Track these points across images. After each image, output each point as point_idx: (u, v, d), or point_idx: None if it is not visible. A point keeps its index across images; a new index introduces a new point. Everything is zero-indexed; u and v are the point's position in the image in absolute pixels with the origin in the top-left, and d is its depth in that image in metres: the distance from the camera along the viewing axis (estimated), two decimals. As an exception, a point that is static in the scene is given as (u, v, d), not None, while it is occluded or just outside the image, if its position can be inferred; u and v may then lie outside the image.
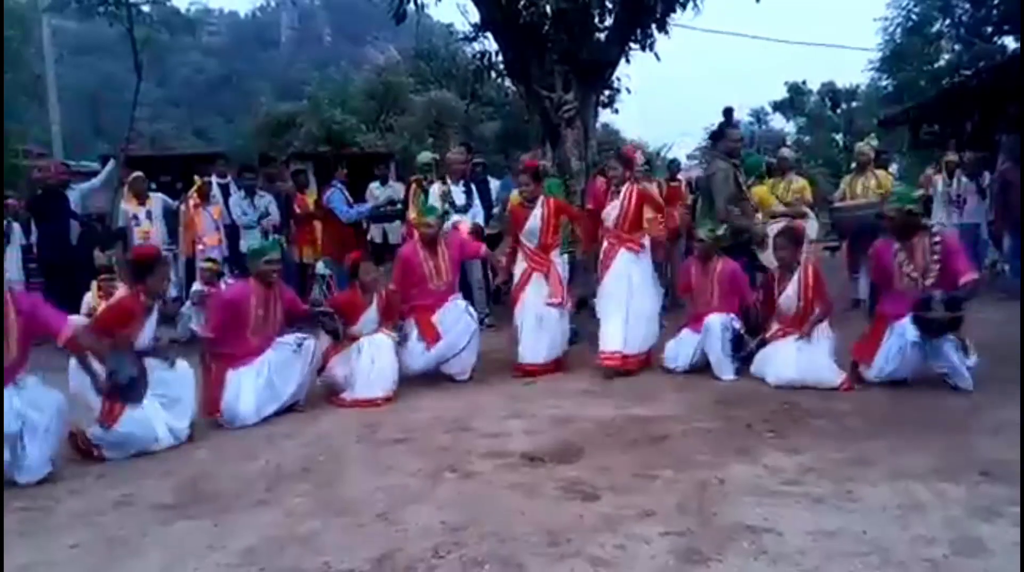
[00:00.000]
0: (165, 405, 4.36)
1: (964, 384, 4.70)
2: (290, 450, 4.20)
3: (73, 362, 4.19)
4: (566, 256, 6.55)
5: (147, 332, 4.44)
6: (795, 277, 5.37)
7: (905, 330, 4.75)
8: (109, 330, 4.30)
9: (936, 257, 4.86)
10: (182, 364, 4.59)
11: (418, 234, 5.99)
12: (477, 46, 10.47)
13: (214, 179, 8.65)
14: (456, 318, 5.68)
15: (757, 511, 3.01)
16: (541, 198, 6.04)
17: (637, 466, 3.62)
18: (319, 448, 4.21)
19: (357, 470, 3.80)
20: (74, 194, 8.39)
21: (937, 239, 4.95)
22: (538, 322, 5.85)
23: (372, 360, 5.24)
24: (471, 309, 5.91)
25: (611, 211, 5.94)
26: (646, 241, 6.01)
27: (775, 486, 3.30)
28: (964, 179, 9.46)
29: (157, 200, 8.57)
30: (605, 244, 5.97)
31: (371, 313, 5.43)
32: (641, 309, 5.78)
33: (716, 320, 5.44)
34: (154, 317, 4.50)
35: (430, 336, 5.60)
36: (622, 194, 5.90)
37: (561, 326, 5.97)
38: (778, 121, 36.39)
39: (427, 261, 5.76)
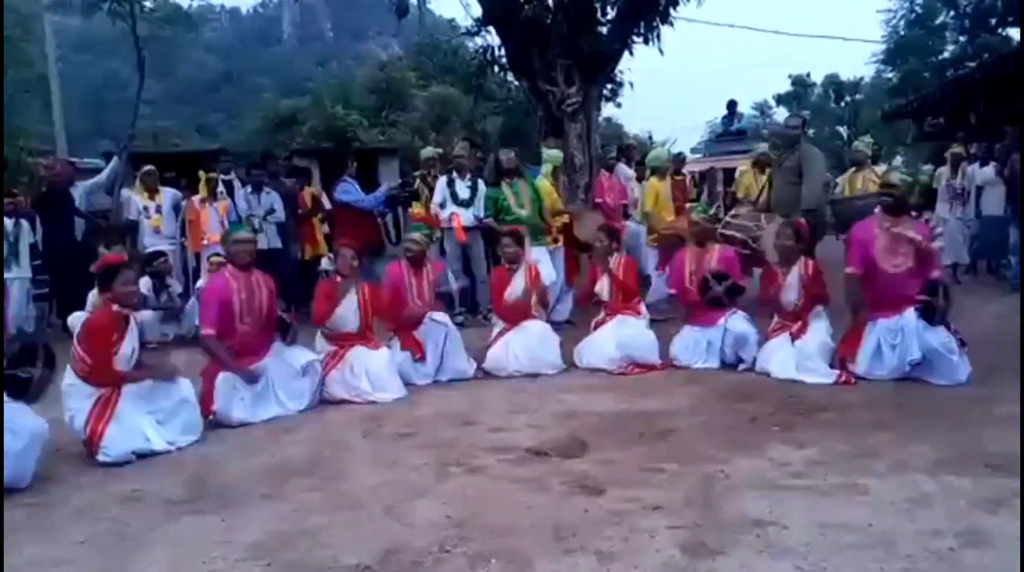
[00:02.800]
0: (161, 420, 4.21)
1: (951, 379, 4.68)
2: (295, 445, 4.21)
3: (66, 388, 4.12)
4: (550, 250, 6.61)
5: (128, 344, 4.21)
6: (795, 270, 5.39)
7: (890, 329, 4.82)
8: (93, 349, 4.10)
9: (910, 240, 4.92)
10: (185, 382, 4.45)
11: (403, 253, 5.91)
12: (479, 41, 10.46)
13: (219, 175, 8.65)
14: (427, 332, 5.57)
15: (763, 504, 3.01)
16: (524, 264, 5.98)
17: (643, 460, 3.63)
18: (324, 443, 4.22)
19: (362, 465, 3.80)
20: (78, 191, 8.41)
21: (924, 221, 5.03)
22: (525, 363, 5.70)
23: (366, 372, 5.11)
24: (440, 317, 5.73)
25: (603, 286, 5.97)
26: (642, 307, 6.04)
27: (781, 479, 3.30)
28: (969, 171, 9.41)
29: (167, 194, 8.61)
30: (601, 314, 5.99)
31: (350, 305, 5.28)
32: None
33: (740, 321, 5.47)
34: (133, 329, 4.27)
35: (417, 349, 5.49)
36: (613, 267, 5.95)
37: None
38: (782, 114, 36.32)
39: (410, 281, 5.69)
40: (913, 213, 5.07)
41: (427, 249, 5.95)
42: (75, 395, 4.12)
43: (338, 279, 5.39)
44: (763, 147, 9.72)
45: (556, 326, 6.33)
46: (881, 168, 8.93)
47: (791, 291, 5.39)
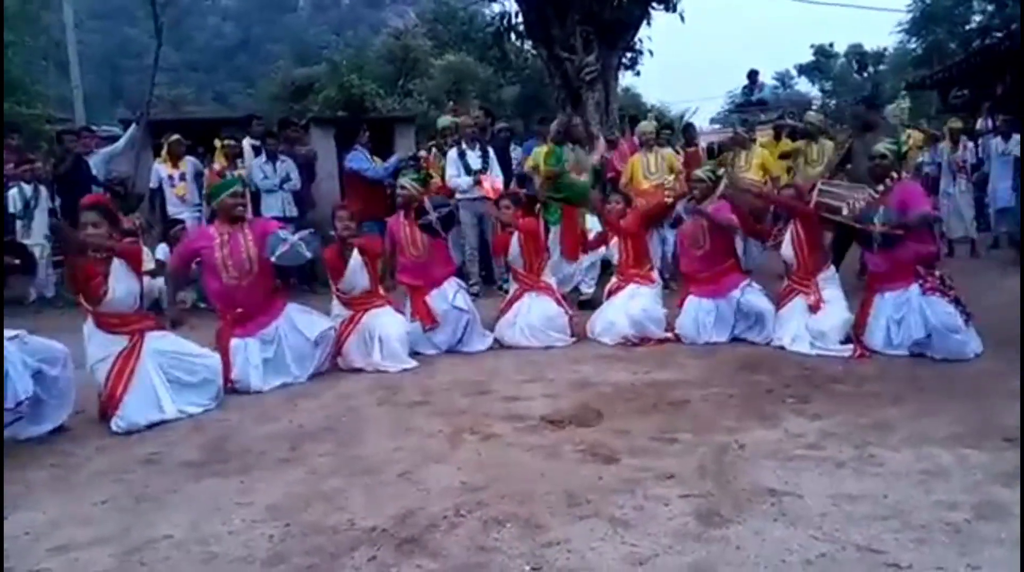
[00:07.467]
0: (175, 384, 4.26)
1: (955, 355, 4.66)
2: (312, 411, 4.25)
3: (87, 333, 4.20)
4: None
5: (120, 288, 4.16)
6: (789, 229, 5.38)
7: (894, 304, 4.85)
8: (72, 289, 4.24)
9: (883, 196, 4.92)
10: (212, 354, 4.54)
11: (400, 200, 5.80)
12: (496, 7, 10.34)
13: (247, 142, 8.64)
14: (444, 310, 5.52)
15: (777, 475, 3.01)
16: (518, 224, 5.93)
17: (656, 430, 3.63)
18: (340, 409, 4.27)
19: (378, 431, 3.84)
20: (96, 159, 8.44)
21: (889, 183, 5.02)
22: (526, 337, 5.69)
23: (379, 339, 5.13)
24: (460, 296, 5.63)
25: (613, 250, 5.98)
26: (655, 274, 6.01)
27: (796, 450, 3.29)
28: (971, 146, 9.28)
29: (190, 163, 8.66)
30: (614, 280, 5.98)
31: (355, 264, 5.23)
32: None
33: (756, 295, 5.44)
34: (121, 273, 4.16)
35: (427, 318, 5.46)
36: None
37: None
38: (803, 85, 35.80)
39: (404, 228, 5.66)
40: (888, 180, 5.04)
41: (417, 195, 5.77)
42: (94, 341, 4.21)
43: (340, 245, 5.32)
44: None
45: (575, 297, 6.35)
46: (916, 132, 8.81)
47: (787, 246, 5.39)
